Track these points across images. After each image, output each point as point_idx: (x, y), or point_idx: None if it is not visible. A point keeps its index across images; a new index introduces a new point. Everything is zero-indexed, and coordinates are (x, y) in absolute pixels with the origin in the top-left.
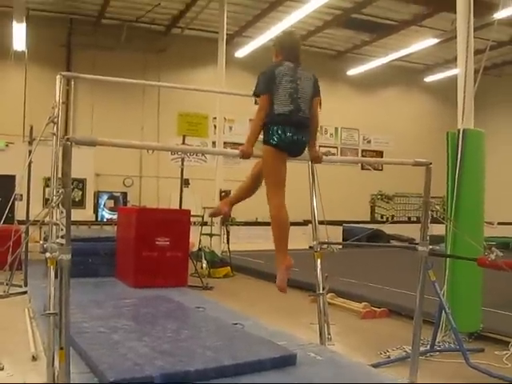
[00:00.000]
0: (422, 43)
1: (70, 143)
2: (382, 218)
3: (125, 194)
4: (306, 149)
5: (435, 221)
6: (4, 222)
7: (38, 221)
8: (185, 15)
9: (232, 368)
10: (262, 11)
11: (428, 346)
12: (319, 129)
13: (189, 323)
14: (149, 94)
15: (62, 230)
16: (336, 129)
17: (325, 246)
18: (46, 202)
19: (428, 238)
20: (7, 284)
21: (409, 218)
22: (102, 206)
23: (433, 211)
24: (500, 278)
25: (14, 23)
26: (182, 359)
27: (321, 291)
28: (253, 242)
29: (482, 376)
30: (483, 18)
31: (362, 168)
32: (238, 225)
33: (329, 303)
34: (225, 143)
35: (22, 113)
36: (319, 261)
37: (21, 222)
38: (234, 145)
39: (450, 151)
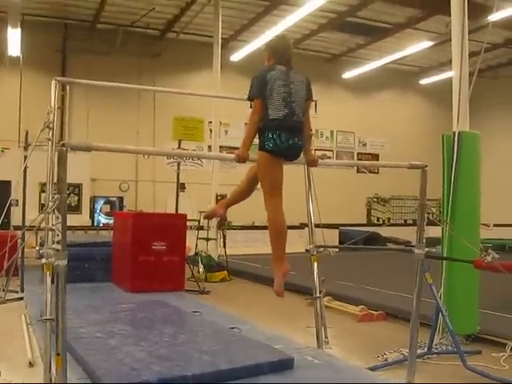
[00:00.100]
0: (417, 46)
1: (65, 149)
2: (378, 220)
3: (121, 199)
4: (303, 153)
5: (431, 223)
6: (0, 228)
7: (34, 226)
8: (180, 20)
9: (229, 372)
10: (256, 15)
11: (425, 349)
12: (314, 132)
13: (186, 328)
14: (144, 99)
15: (57, 235)
16: (331, 132)
17: (321, 249)
18: (42, 207)
19: (424, 240)
20: (3, 290)
21: (405, 220)
22: (98, 211)
23: (429, 214)
24: (496, 280)
25: (9, 28)
26: (179, 364)
27: (318, 294)
28: (250, 245)
29: (479, 378)
30: (478, 21)
31: (358, 171)
32: (234, 229)
33: (326, 306)
34: (220, 147)
35: (17, 118)
36: (316, 264)
37: (17, 228)
38: (230, 149)
39: (445, 154)
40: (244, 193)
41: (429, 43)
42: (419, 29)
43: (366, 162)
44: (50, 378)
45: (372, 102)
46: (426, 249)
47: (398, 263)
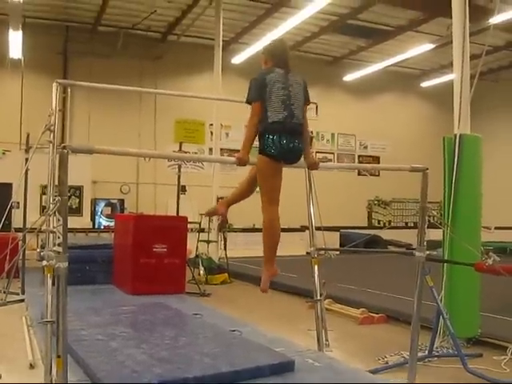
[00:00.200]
0: (418, 48)
1: (66, 151)
2: (379, 223)
3: (122, 201)
4: (303, 155)
5: (432, 226)
6: (1, 230)
7: (35, 228)
8: (181, 22)
9: (230, 375)
10: (257, 18)
11: (426, 352)
12: (315, 135)
13: (186, 330)
14: (145, 101)
15: (58, 237)
16: (332, 135)
17: (322, 252)
18: (43, 209)
19: (425, 243)
20: (4, 292)
21: (406, 223)
22: (99, 214)
23: (430, 216)
24: (498, 283)
25: (11, 31)
26: (179, 366)
27: (318, 297)
28: (250, 248)
29: (480, 381)
30: (479, 23)
31: (359, 174)
32: (235, 231)
33: (326, 309)
34: (221, 149)
35: (18, 121)
36: (316, 267)
37: (18, 230)
38: (231, 151)
39: (446, 156)
40: (245, 192)
41: (430, 46)
42: (420, 31)
43: (367, 165)
44: (51, 380)
45: (373, 105)
46: (427, 252)
47: (398, 266)
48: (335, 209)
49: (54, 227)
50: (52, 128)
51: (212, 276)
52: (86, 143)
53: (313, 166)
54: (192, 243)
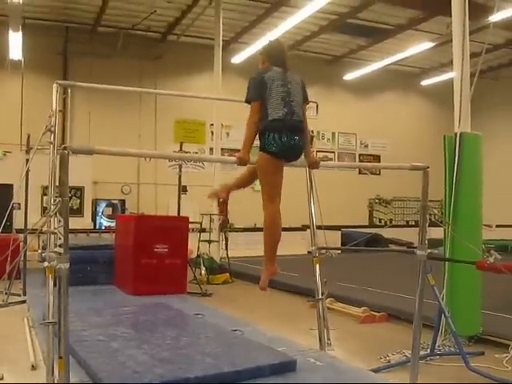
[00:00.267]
0: (418, 47)
1: (67, 152)
2: (380, 222)
3: (123, 202)
4: (303, 154)
5: (433, 224)
6: (2, 231)
7: (36, 229)
8: (181, 22)
9: (231, 375)
10: (257, 17)
11: (428, 350)
12: (315, 134)
13: (188, 330)
14: (146, 101)
15: (59, 238)
16: (333, 133)
17: (323, 250)
18: (44, 210)
19: (426, 241)
20: (6, 293)
21: (407, 221)
22: (100, 214)
23: (431, 215)
24: (499, 281)
25: (10, 32)
26: (181, 366)
27: (320, 296)
28: (251, 247)
29: (482, 379)
30: (479, 22)
31: (360, 172)
32: (236, 231)
33: (328, 308)
34: (222, 149)
35: (19, 122)
36: (318, 266)
37: (19, 231)
38: (232, 151)
39: (447, 155)
40: (245, 182)
41: (430, 44)
42: (420, 30)
43: (368, 163)
44: (53, 381)
45: (373, 104)
46: (429, 250)
47: (400, 264)
48: (336, 208)
49: (55, 228)
50: (52, 129)
51: (213, 276)
52: (87, 144)
53: (314, 165)
54: (193, 243)
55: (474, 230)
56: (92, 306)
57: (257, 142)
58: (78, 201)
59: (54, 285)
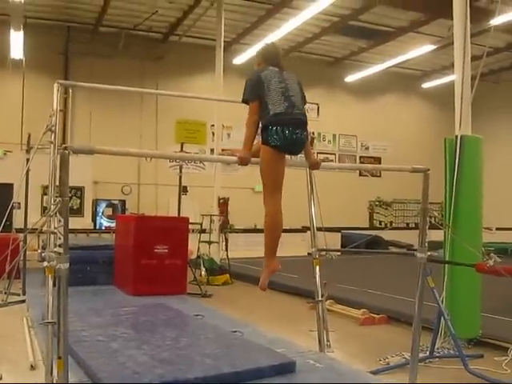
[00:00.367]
0: (419, 50)
1: (67, 152)
2: (380, 224)
3: (123, 202)
4: (304, 156)
5: (433, 227)
6: (2, 231)
7: (36, 229)
8: (182, 23)
9: (231, 376)
10: (259, 18)
11: (427, 353)
12: (316, 136)
13: (188, 331)
14: (147, 102)
15: (59, 238)
16: (334, 135)
17: (323, 252)
18: (44, 210)
19: (426, 244)
20: (5, 293)
21: (407, 224)
22: (100, 214)
23: (431, 217)
24: (499, 284)
25: (12, 31)
26: (181, 367)
27: (320, 298)
28: (251, 249)
29: (481, 382)
30: (480, 25)
31: (360, 174)
32: (236, 232)
33: (328, 310)
34: (223, 150)
35: (19, 121)
36: (318, 268)
37: (19, 231)
38: (232, 151)
39: (447, 157)
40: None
41: (431, 47)
42: (421, 32)
43: (369, 165)
44: (52, 381)
45: (374, 106)
46: (428, 252)
47: (400, 267)
48: (336, 209)
49: (55, 228)
50: (53, 128)
51: (213, 277)
52: (87, 144)
53: (314, 165)
54: (193, 244)
55: (474, 232)
56: (92, 306)
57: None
58: (79, 201)
59: (54, 285)
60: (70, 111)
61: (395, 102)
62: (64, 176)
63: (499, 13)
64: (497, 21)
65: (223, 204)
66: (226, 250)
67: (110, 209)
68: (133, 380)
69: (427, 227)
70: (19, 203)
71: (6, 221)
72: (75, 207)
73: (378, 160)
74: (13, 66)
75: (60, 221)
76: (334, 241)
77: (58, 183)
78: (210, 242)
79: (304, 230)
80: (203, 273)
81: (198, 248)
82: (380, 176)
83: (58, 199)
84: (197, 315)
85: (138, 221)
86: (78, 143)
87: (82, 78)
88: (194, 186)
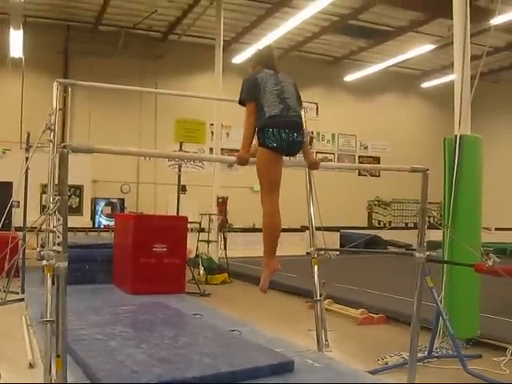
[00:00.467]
0: (419, 49)
1: (66, 150)
2: (379, 224)
3: (122, 201)
4: (303, 155)
5: (432, 227)
6: (1, 229)
7: (35, 228)
8: (182, 22)
9: (229, 375)
10: (258, 17)
11: (426, 353)
12: (315, 135)
13: (186, 330)
14: (146, 101)
15: (58, 237)
16: (333, 135)
17: (322, 252)
18: (43, 208)
19: (425, 244)
20: (4, 291)
21: (406, 223)
22: (99, 213)
23: (430, 217)
24: (497, 284)
25: (11, 30)
26: (179, 366)
27: (318, 297)
28: (250, 248)
29: (479, 382)
30: (480, 24)
31: (359, 174)
32: (235, 231)
33: (326, 309)
34: (222, 149)
35: (19, 120)
36: (316, 267)
37: (18, 229)
38: (231, 151)
39: (447, 157)
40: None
41: (431, 46)
42: (421, 32)
43: (368, 165)
44: (50, 380)
45: (374, 105)
46: (427, 252)
47: (398, 266)
48: (335, 209)
49: (54, 226)
50: (52, 127)
51: (212, 276)
52: (87, 142)
53: (313, 165)
54: (192, 243)
55: (473, 232)
56: (90, 304)
57: (255, 141)
58: (77, 199)
59: (53, 283)
60: (69, 110)
61: (394, 101)
62: (63, 174)
63: (499, 12)
64: (497, 20)
65: (222, 203)
66: (225, 249)
67: (109, 207)
68: (131, 379)
69: (426, 227)
70: (18, 202)
71: (5, 219)
72: (74, 206)
73: (377, 160)
74: (12, 64)
75: (59, 219)
76: (333, 240)
77: (57, 182)
78: (208, 241)
79: (303, 229)
80: (202, 272)
81: (197, 247)
82: (379, 176)
83: (57, 198)
84: (195, 314)
85: (136, 220)
86: (77, 142)
87: (82, 77)
88: (192, 185)
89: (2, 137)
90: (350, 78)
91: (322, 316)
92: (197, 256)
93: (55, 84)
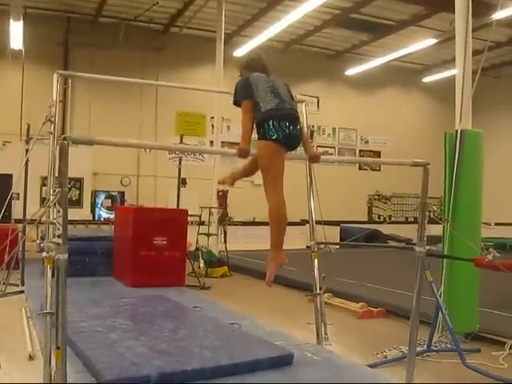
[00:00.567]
0: (421, 43)
1: (66, 142)
2: (379, 218)
3: (122, 194)
4: (304, 149)
5: (432, 221)
6: (1, 221)
7: (35, 220)
8: (183, 14)
9: (229, 368)
10: (260, 10)
11: (425, 347)
12: (316, 129)
13: (186, 323)
14: (147, 93)
15: (58, 229)
16: (334, 129)
17: (322, 245)
18: (43, 201)
19: (425, 238)
20: (4, 283)
21: (406, 218)
22: (99, 206)
23: (430, 212)
24: (497, 279)
25: (11, 21)
26: (179, 359)
27: (318, 291)
28: (250, 241)
29: (478, 376)
30: (482, 19)
31: (360, 168)
32: (235, 224)
33: (326, 303)
34: (222, 143)
35: (19, 111)
36: (316, 261)
37: (18, 221)
38: (232, 144)
39: (447, 152)
40: (249, 172)
41: (432, 41)
42: (423, 26)
43: (368, 158)
44: (50, 372)
45: (375, 99)
46: (427, 247)
47: (398, 261)
48: (336, 203)
49: (54, 219)
50: (52, 119)
51: (212, 269)
52: (87, 134)
53: (314, 158)
54: (192, 236)
55: (473, 227)
56: (90, 297)
57: (255, 136)
58: (78, 192)
59: (53, 275)
60: (69, 102)
61: (396, 95)
62: (63, 166)
63: (501, 7)
64: (499, 15)
65: (222, 196)
66: (225, 242)
67: (109, 200)
68: (131, 371)
69: (426, 221)
70: (18, 194)
71: (4, 211)
72: (74, 198)
73: (377, 154)
74: (12, 56)
75: (59, 211)
76: (333, 234)
77: (57, 174)
78: (208, 235)
79: (303, 223)
80: (202, 265)
81: (197, 240)
82: (379, 170)
83: (57, 190)
84: (195, 307)
85: (136, 212)
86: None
87: (82, 69)
88: (193, 178)
89: (2, 129)
90: (351, 71)
91: (321, 309)
92: (197, 249)
93: (55, 76)
